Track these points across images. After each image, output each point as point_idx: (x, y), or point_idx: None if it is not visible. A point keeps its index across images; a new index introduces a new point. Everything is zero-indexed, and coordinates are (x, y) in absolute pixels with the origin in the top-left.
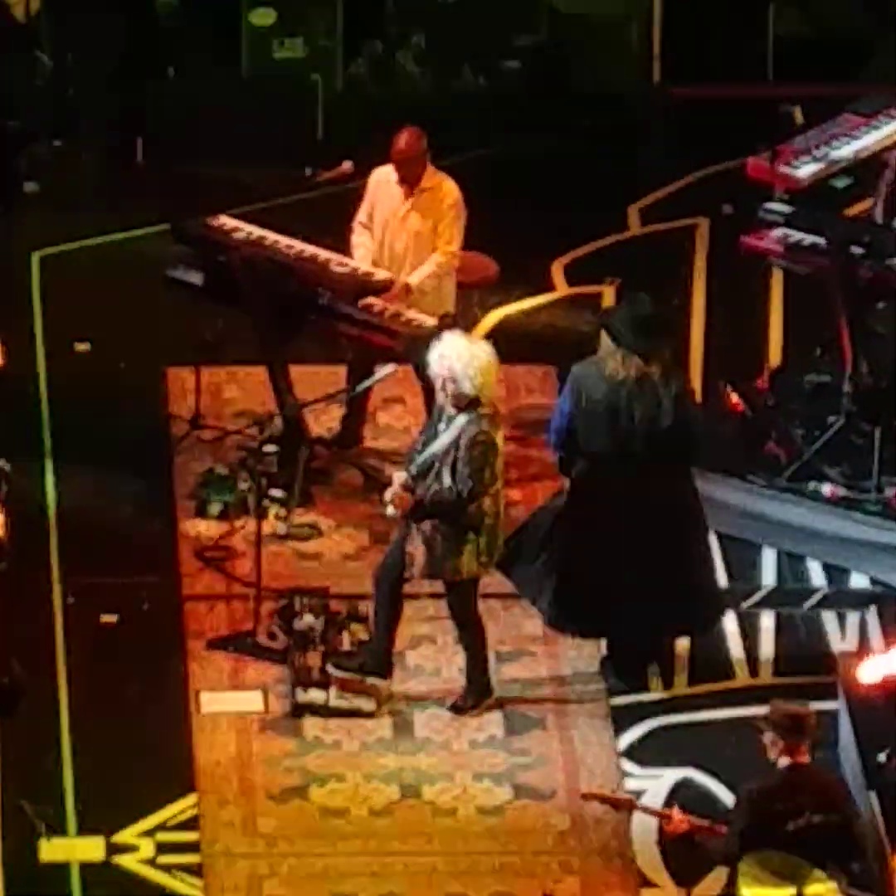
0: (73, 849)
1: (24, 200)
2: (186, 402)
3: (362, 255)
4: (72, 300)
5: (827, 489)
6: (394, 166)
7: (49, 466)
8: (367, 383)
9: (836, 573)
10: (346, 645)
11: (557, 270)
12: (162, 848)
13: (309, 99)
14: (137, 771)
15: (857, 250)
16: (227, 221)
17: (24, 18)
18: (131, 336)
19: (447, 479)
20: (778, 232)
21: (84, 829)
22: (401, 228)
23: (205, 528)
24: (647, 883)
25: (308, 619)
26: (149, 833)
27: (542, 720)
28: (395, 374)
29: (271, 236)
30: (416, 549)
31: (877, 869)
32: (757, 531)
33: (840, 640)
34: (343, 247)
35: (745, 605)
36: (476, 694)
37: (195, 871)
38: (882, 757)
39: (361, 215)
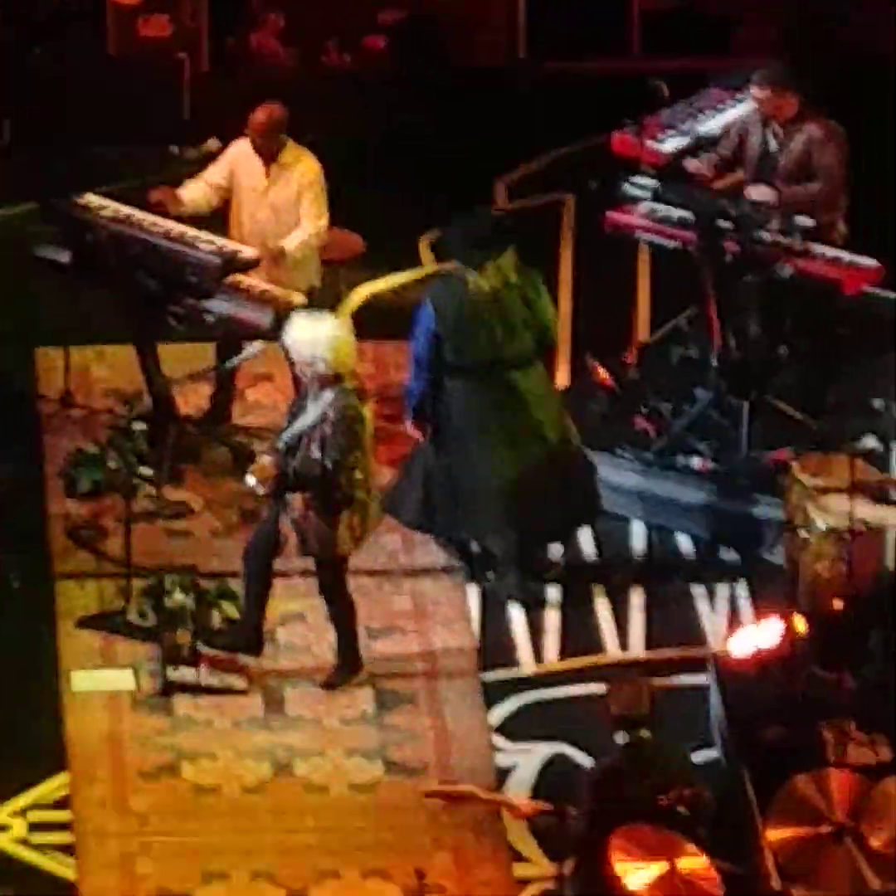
0: None
1: None
2: (55, 382)
3: (191, 190)
4: None
5: (696, 463)
6: (251, 140)
7: None
8: (235, 361)
9: (705, 546)
10: (216, 623)
11: (424, 246)
12: (34, 827)
13: (175, 77)
14: (8, 750)
15: (723, 224)
16: (93, 200)
17: None
18: None
19: (315, 453)
20: (644, 207)
21: None
22: (262, 201)
23: (75, 507)
24: (519, 857)
25: (178, 597)
26: (20, 812)
27: (413, 696)
28: (263, 352)
29: (138, 215)
30: (288, 528)
31: (737, 839)
32: (626, 505)
33: (710, 613)
34: (211, 226)
35: (614, 578)
36: (347, 671)
37: (67, 850)
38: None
39: (211, 174)
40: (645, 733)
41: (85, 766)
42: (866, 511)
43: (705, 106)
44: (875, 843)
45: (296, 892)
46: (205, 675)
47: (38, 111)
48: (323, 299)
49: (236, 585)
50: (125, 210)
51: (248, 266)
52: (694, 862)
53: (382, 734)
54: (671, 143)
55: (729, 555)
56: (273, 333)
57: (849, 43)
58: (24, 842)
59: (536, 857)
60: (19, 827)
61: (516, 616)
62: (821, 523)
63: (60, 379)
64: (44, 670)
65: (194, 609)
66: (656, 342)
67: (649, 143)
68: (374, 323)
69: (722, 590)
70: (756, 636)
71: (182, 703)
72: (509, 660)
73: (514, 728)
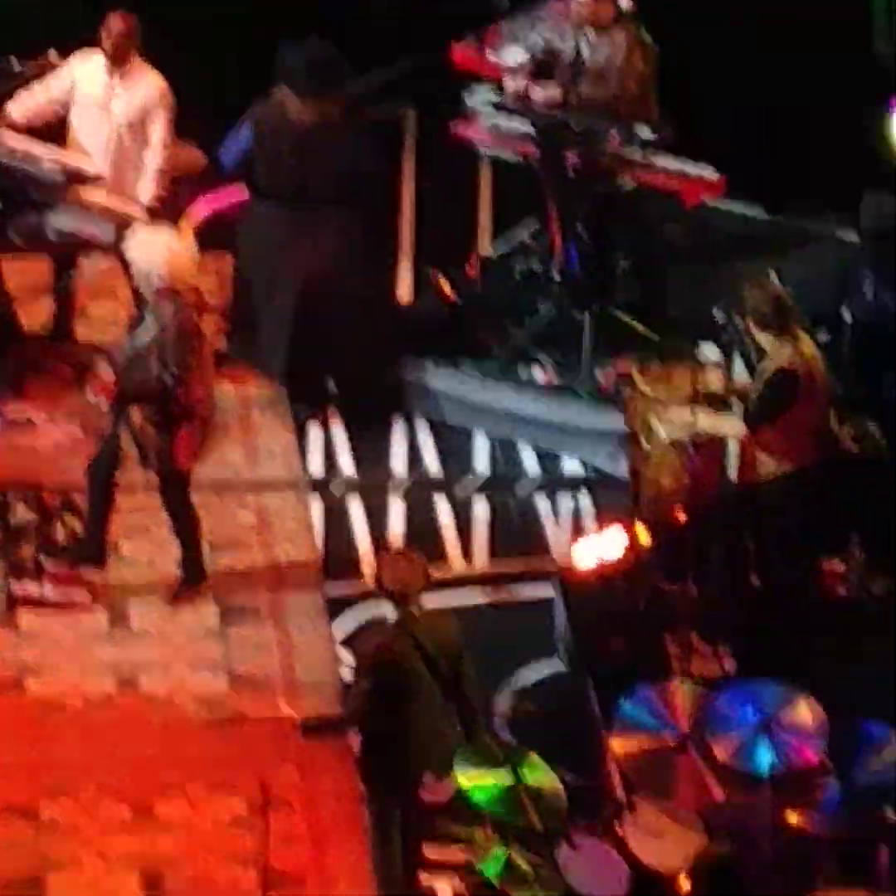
0: None
1: None
2: None
3: (23, 102)
4: None
5: (539, 375)
6: (102, 46)
7: None
8: (73, 275)
9: (548, 458)
10: (60, 537)
11: None
12: None
13: None
14: None
15: (564, 137)
16: None
17: None
18: None
19: (155, 368)
20: (485, 119)
21: None
22: (104, 114)
23: None
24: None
25: (21, 511)
26: None
27: (257, 610)
28: (104, 267)
29: None
30: (130, 441)
31: (581, 750)
32: (469, 418)
33: (553, 524)
34: (53, 140)
35: (458, 491)
36: (191, 584)
37: None
38: None
39: (49, 85)
40: (415, 608)
41: None
42: (707, 421)
43: (544, 17)
44: (720, 754)
45: (141, 806)
46: (49, 590)
47: None
48: (166, 213)
49: (80, 499)
50: None
51: (91, 181)
52: (539, 773)
53: (227, 648)
54: (511, 56)
55: (572, 467)
56: (115, 248)
57: None
58: None
59: None
60: None
61: (360, 529)
62: (663, 434)
63: None
64: None
65: (38, 523)
66: (499, 255)
67: (490, 54)
68: (215, 235)
69: (565, 502)
70: (599, 548)
71: (26, 618)
72: (353, 573)
73: (360, 641)
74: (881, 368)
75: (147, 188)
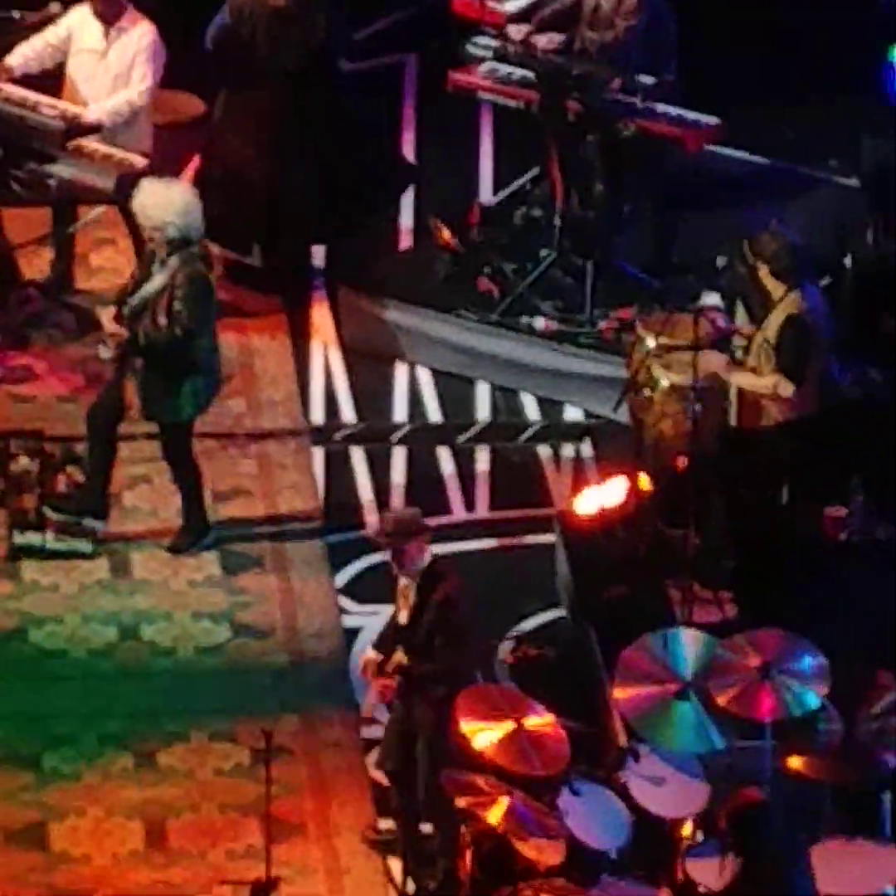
0: None
1: None
2: None
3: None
4: None
5: (540, 323)
6: (91, 3)
7: None
8: (78, 224)
9: (549, 406)
10: (62, 487)
11: None
12: None
13: None
14: None
15: (566, 83)
16: None
17: None
18: None
19: (162, 320)
20: (486, 67)
21: None
22: (99, 65)
23: None
24: (366, 719)
25: (23, 461)
26: None
27: (259, 559)
28: (105, 216)
29: None
30: (132, 391)
31: (583, 697)
32: (470, 366)
33: (555, 473)
34: (55, 91)
35: (459, 440)
36: (193, 534)
37: None
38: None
39: (48, 34)
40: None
41: None
42: (744, 380)
43: None
44: (721, 700)
45: (143, 755)
46: (51, 540)
47: None
48: (164, 162)
49: (82, 449)
50: None
51: (90, 130)
52: (541, 721)
53: (229, 597)
54: (511, 4)
55: (573, 414)
56: (115, 197)
57: None
58: None
59: (384, 717)
60: None
61: (362, 478)
62: (664, 382)
63: None
64: None
65: (40, 473)
66: (500, 203)
67: (490, 3)
68: None
69: (567, 449)
70: (601, 495)
71: (28, 568)
72: (355, 522)
73: (360, 589)
74: (881, 313)
75: (104, 106)
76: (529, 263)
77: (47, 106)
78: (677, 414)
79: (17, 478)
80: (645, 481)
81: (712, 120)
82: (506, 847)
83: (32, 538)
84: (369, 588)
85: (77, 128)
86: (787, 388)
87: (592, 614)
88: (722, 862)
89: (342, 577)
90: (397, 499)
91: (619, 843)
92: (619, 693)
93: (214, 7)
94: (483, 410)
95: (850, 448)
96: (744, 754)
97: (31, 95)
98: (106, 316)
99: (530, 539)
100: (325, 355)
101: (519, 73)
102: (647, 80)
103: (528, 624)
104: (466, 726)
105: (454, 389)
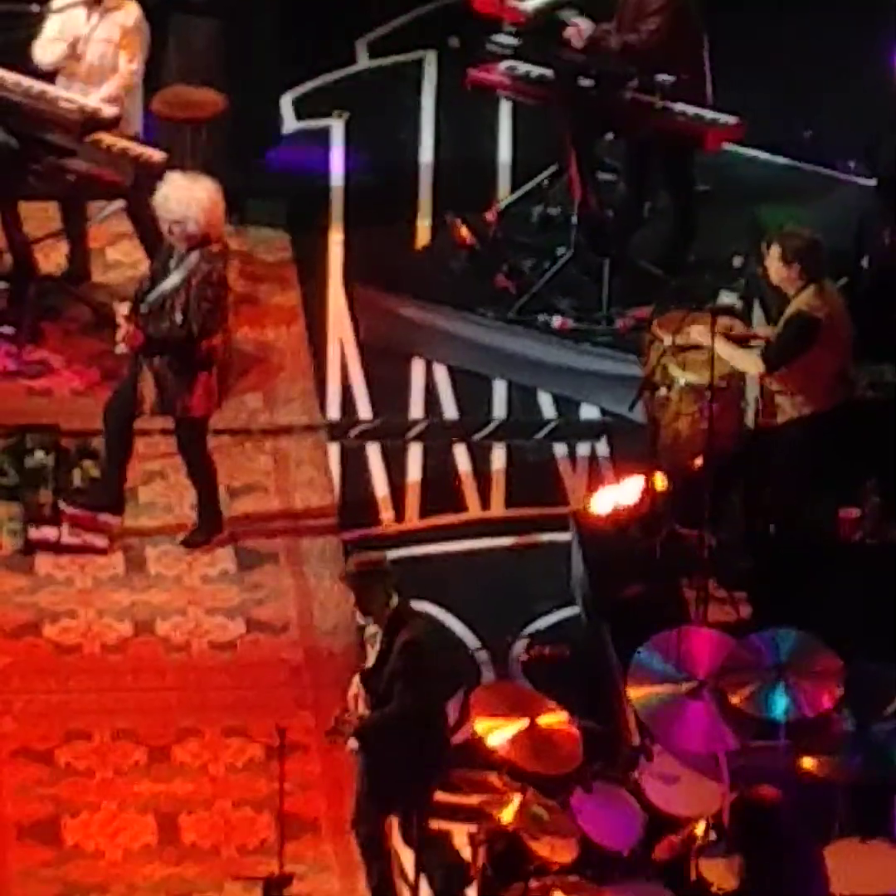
0: None
1: None
2: None
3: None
4: None
5: (557, 321)
6: None
7: None
8: (96, 218)
9: (566, 405)
10: (77, 481)
11: (286, 103)
12: None
13: None
14: None
15: (585, 82)
16: None
17: None
18: None
19: (179, 317)
20: (505, 64)
21: None
22: (86, 49)
23: None
24: None
25: (39, 455)
26: None
27: (274, 555)
28: (123, 209)
29: None
30: (148, 387)
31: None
32: (487, 364)
33: (571, 471)
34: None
35: (475, 437)
36: (207, 529)
37: None
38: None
39: (48, 29)
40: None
41: None
42: (725, 350)
43: None
44: (734, 700)
45: (157, 751)
46: (66, 534)
47: None
48: (184, 157)
49: (97, 444)
50: None
51: (108, 124)
52: (554, 719)
53: (244, 593)
54: (531, 2)
55: (590, 413)
56: (133, 191)
57: None
58: None
59: None
60: None
61: (378, 475)
62: (681, 381)
63: None
64: None
65: (55, 468)
66: (517, 201)
67: (510, 0)
68: None
69: (583, 448)
70: (617, 494)
71: (43, 563)
72: (370, 518)
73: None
74: None
75: (100, 94)
76: (546, 261)
77: (65, 100)
78: (693, 413)
79: (32, 472)
80: (660, 480)
81: (731, 119)
82: (518, 845)
83: (48, 532)
84: None
85: (95, 122)
86: (756, 366)
87: (607, 613)
88: (729, 861)
89: None
90: (413, 495)
91: (631, 842)
92: (633, 692)
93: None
94: (499, 408)
95: (865, 449)
96: (757, 754)
97: (50, 88)
98: (120, 309)
99: (545, 537)
100: (342, 351)
101: (537, 70)
102: (665, 78)
103: (543, 622)
104: (480, 724)
105: (470, 386)
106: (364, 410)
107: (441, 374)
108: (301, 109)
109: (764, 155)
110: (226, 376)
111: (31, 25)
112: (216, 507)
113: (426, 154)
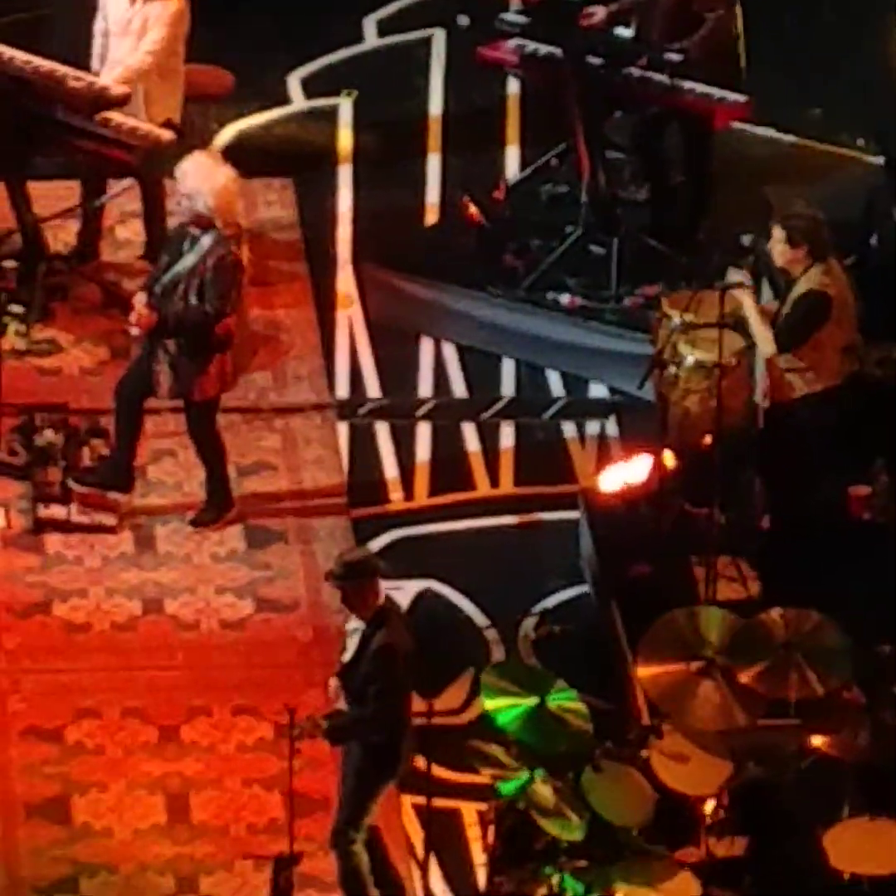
0: None
1: None
2: None
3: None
4: None
5: (565, 299)
6: None
7: None
8: (105, 198)
9: (575, 383)
10: (87, 460)
11: (294, 83)
12: None
13: None
14: None
15: (593, 60)
16: None
17: None
18: None
19: (193, 299)
20: (514, 42)
21: None
22: (125, 36)
23: None
24: None
25: (48, 434)
26: None
27: (283, 533)
28: (132, 188)
29: (7, 51)
30: (162, 369)
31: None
32: (496, 342)
33: (580, 449)
34: (76, 61)
35: (484, 415)
36: (217, 508)
37: None
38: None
39: (97, 22)
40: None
41: None
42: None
43: None
44: (744, 678)
45: (167, 730)
46: (75, 513)
47: None
48: (193, 136)
49: (107, 423)
50: None
51: (119, 102)
52: (564, 697)
53: (253, 571)
54: None
55: (598, 391)
56: (142, 170)
57: None
58: None
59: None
60: None
61: (387, 453)
62: (690, 359)
63: None
64: None
65: (65, 446)
66: (526, 179)
67: None
68: (242, 159)
69: (592, 426)
70: (626, 472)
71: (53, 541)
72: (379, 497)
73: (385, 563)
74: None
75: (112, 74)
76: (555, 239)
77: (74, 78)
78: (703, 391)
79: (42, 451)
80: (670, 458)
81: (740, 97)
82: (528, 823)
83: (57, 511)
84: (393, 563)
85: (105, 100)
86: (768, 347)
87: (616, 591)
88: (731, 840)
89: None
90: (422, 474)
91: (641, 821)
92: (643, 670)
93: None
94: (508, 386)
95: (874, 428)
96: (767, 733)
97: (60, 67)
98: (139, 295)
99: (554, 516)
100: (351, 330)
101: (546, 49)
102: (674, 56)
103: (552, 601)
104: (490, 702)
105: (479, 365)
106: (373, 389)
107: (450, 352)
108: (309, 88)
109: (773, 133)
110: (240, 358)
111: (40, 6)
112: (226, 486)
113: (434, 132)
